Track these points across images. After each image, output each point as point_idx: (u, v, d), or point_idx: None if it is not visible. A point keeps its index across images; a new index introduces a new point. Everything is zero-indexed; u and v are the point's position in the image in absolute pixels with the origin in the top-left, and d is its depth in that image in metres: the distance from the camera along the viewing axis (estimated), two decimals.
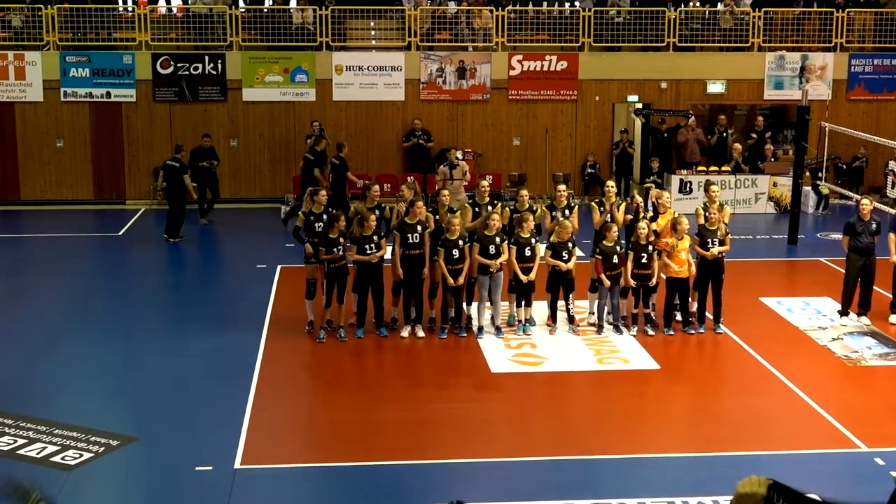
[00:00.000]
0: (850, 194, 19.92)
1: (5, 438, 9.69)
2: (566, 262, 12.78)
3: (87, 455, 9.34)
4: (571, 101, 22.31)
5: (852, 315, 13.62)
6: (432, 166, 21.49)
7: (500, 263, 12.73)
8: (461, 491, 8.71)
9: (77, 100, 21.54)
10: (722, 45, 22.93)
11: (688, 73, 22.52)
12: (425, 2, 22.74)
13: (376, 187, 13.64)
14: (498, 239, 12.69)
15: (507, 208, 13.84)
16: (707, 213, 13.13)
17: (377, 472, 9.18)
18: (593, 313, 13.39)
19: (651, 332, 12.99)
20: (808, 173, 20.17)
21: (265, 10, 22.44)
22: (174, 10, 22.93)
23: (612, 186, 14.20)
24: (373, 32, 22.79)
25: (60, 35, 21.55)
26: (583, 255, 13.86)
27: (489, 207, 13.46)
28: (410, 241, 12.61)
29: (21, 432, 9.82)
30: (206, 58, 21.59)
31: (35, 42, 21.66)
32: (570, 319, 13.24)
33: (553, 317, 13.12)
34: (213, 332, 13.22)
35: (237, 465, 9.18)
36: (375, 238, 12.45)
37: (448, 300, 12.93)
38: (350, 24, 22.28)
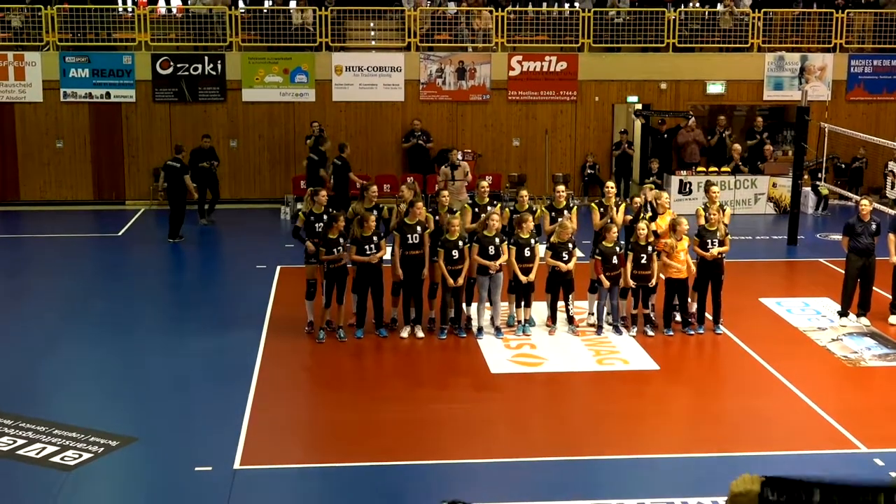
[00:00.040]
0: (850, 195, 19.92)
1: (5, 439, 9.68)
2: (566, 262, 12.79)
3: (86, 455, 9.34)
4: (571, 101, 22.31)
5: (852, 316, 13.63)
6: (432, 167, 21.50)
7: (500, 264, 12.73)
8: (461, 491, 8.70)
9: (77, 100, 21.54)
10: (721, 45, 22.94)
11: (687, 74, 22.53)
12: (425, 2, 22.75)
13: (374, 188, 13.65)
14: (497, 240, 12.69)
15: (506, 209, 13.84)
16: (707, 214, 13.14)
17: (377, 472, 9.18)
18: (593, 314, 13.39)
19: (651, 333, 12.99)
20: (807, 174, 20.17)
21: (265, 11, 22.45)
22: (174, 10, 22.93)
23: (612, 187, 14.21)
24: (372, 33, 22.79)
25: (60, 35, 21.54)
26: (582, 255, 13.87)
27: (489, 208, 13.47)
28: (410, 241, 12.61)
29: (20, 433, 9.82)
30: (206, 58, 21.59)
31: (35, 42, 21.66)
32: (570, 320, 13.24)
33: (553, 317, 13.12)
34: (212, 333, 13.22)
35: (237, 465, 9.18)
36: (375, 239, 12.46)
37: (448, 301, 12.94)
38: (350, 25, 22.29)
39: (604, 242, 12.87)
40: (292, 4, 22.96)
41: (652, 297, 13.20)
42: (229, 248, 19.20)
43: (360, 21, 22.38)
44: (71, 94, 21.50)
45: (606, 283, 12.82)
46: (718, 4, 23.33)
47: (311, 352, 12.51)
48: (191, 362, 12.15)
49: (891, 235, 13.53)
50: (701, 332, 13.10)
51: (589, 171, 22.33)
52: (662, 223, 13.28)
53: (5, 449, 9.47)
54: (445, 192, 13.95)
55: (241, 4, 22.70)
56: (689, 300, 13.14)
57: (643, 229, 12.85)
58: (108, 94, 21.53)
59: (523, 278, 12.81)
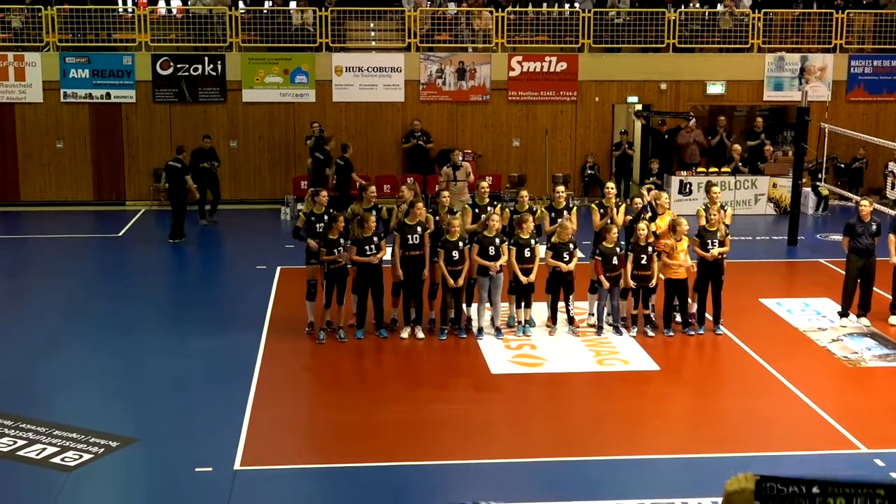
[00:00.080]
0: (850, 195, 19.92)
1: (5, 439, 9.68)
2: (567, 263, 12.79)
3: (86, 456, 9.34)
4: (571, 102, 22.31)
5: (852, 316, 13.63)
6: (432, 167, 21.51)
7: (500, 265, 12.73)
8: (461, 491, 8.71)
9: (77, 101, 21.55)
10: (721, 46, 22.94)
11: (687, 75, 22.53)
12: (425, 3, 22.74)
13: (373, 188, 13.65)
14: (498, 240, 12.69)
15: (506, 209, 13.84)
16: (708, 214, 13.14)
17: (377, 473, 9.18)
18: (593, 314, 13.39)
19: (651, 334, 12.99)
20: (807, 175, 20.17)
21: (265, 11, 22.46)
22: (174, 11, 22.94)
23: (612, 188, 14.22)
24: (372, 33, 22.79)
25: (60, 36, 21.55)
26: (583, 256, 13.87)
27: (489, 209, 13.46)
28: (410, 242, 12.61)
29: (21, 433, 9.82)
30: (206, 59, 21.59)
31: (35, 43, 21.66)
32: (570, 320, 13.24)
33: (553, 318, 13.12)
34: (213, 333, 13.22)
35: (237, 466, 9.18)
36: (375, 239, 12.46)
37: (448, 301, 12.94)
38: (350, 25, 22.29)
39: (604, 243, 12.87)
40: (292, 5, 22.96)
41: (652, 298, 13.20)
42: (229, 248, 19.20)
43: (360, 21, 22.38)
44: (71, 94, 21.51)
45: (606, 284, 12.83)
46: (718, 5, 23.33)
47: (312, 352, 12.51)
48: (191, 363, 12.15)
49: (891, 236, 13.53)
50: (701, 332, 13.10)
51: (589, 172, 22.33)
52: (662, 224, 13.28)
53: (6, 450, 9.47)
54: (446, 193, 13.95)
55: (241, 5, 22.71)
56: (690, 301, 13.15)
57: (643, 230, 12.86)
58: (108, 95, 21.54)
59: (523, 279, 12.81)
